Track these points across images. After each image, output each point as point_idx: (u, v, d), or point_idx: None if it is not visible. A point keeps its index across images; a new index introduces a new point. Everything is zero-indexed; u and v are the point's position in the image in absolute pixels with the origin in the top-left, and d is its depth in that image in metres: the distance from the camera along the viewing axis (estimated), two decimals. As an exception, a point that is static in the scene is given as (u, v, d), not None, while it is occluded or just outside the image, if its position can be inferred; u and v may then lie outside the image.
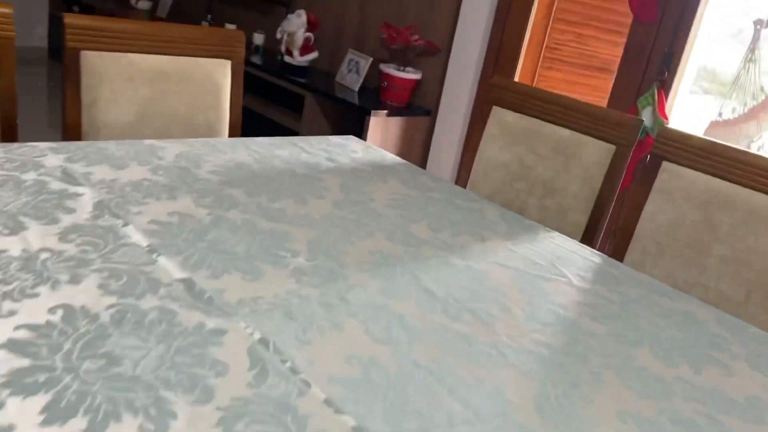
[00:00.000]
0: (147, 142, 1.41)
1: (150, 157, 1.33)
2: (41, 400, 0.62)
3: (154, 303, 0.81)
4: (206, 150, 1.44)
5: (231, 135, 1.74)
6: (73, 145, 1.31)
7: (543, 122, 1.69)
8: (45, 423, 0.59)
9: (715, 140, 1.42)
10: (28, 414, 0.60)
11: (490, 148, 1.77)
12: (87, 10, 5.12)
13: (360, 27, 3.41)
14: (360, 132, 2.92)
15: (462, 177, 1.86)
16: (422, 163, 3.19)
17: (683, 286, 1.41)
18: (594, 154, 1.60)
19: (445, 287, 1.03)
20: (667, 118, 2.42)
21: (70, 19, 1.42)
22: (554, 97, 1.69)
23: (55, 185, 1.10)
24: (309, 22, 3.32)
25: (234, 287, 0.90)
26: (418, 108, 3.09)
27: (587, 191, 1.60)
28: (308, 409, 0.68)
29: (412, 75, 3.02)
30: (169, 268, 0.91)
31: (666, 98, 2.37)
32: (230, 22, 4.19)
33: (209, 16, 4.48)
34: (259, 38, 3.81)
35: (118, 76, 1.50)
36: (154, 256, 0.93)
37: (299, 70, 3.38)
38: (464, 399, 0.76)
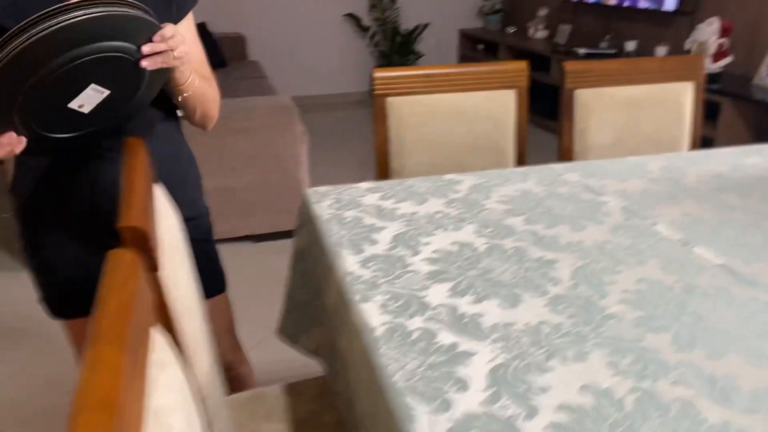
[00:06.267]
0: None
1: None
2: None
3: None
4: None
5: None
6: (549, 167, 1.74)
7: None
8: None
9: None
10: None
11: None
12: (491, 46, 5.56)
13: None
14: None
15: None
16: None
17: None
18: None
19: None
20: None
21: (570, 66, 1.88)
22: None
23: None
24: (722, 28, 3.26)
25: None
26: None
27: None
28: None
29: None
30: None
31: None
32: (629, 39, 4.23)
33: (608, 36, 4.44)
34: (661, 51, 3.85)
35: (601, 106, 1.89)
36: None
37: (712, 77, 3.31)
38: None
